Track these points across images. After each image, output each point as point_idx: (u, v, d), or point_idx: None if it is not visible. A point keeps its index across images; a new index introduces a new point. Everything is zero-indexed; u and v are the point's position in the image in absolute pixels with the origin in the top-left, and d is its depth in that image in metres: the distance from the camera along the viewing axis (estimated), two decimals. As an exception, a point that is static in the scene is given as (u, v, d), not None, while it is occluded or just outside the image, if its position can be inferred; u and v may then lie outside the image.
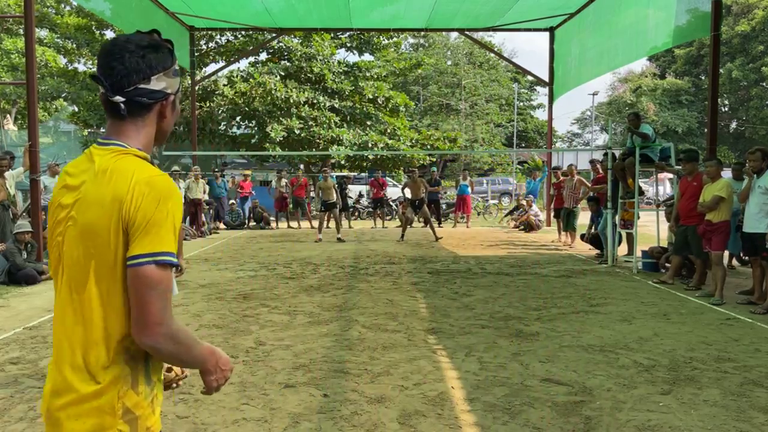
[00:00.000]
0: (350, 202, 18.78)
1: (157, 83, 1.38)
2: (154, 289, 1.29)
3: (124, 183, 1.29)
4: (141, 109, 1.38)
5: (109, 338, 1.33)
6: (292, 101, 20.79)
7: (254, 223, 17.16)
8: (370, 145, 21.38)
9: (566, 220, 12.12)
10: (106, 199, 1.30)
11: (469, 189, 17.55)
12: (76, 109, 23.20)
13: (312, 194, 19.45)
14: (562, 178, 12.84)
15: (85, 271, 1.33)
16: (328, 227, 15.76)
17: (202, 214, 14.94)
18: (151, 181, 1.30)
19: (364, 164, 23.13)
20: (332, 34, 22.60)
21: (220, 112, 21.15)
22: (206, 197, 15.82)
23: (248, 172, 20.06)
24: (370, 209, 18.65)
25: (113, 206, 1.29)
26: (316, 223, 13.85)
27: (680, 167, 8.08)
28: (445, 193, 21.97)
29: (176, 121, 1.53)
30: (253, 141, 21.56)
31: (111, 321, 1.33)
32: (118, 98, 1.34)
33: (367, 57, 25.45)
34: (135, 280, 1.28)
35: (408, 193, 13.90)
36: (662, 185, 24.19)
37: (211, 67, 23.25)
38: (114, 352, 1.33)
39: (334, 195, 13.60)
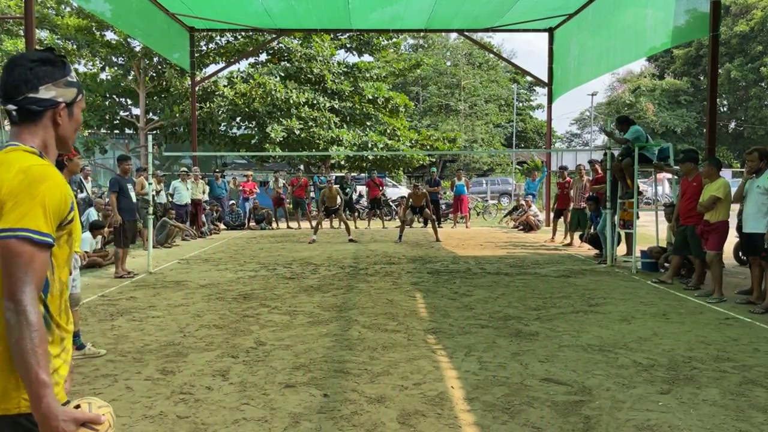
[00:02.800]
0: (354, 197, 18.78)
1: (45, 92, 1.54)
2: (12, 263, 1.36)
3: (7, 173, 1.43)
4: (32, 115, 1.54)
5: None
6: (292, 102, 20.80)
7: (254, 224, 17.16)
8: (369, 145, 21.39)
9: (576, 221, 11.98)
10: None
11: (466, 189, 17.54)
12: (76, 110, 23.18)
13: (312, 195, 19.46)
14: (568, 178, 12.81)
15: None
16: (332, 227, 15.77)
17: (203, 215, 14.95)
18: (28, 169, 1.43)
19: (364, 164, 23.14)
20: (332, 35, 22.62)
21: (220, 112, 21.15)
22: (206, 197, 15.84)
23: (250, 172, 20.06)
24: (368, 209, 18.66)
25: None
26: (314, 223, 13.85)
27: (678, 167, 8.10)
28: (445, 193, 21.98)
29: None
30: (253, 141, 21.57)
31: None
32: (10, 106, 1.52)
33: (366, 58, 25.49)
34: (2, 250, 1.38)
35: (410, 201, 13.99)
36: (661, 185, 24.21)
37: (211, 68, 23.25)
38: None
39: (338, 201, 13.65)
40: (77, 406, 1.45)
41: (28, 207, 1.38)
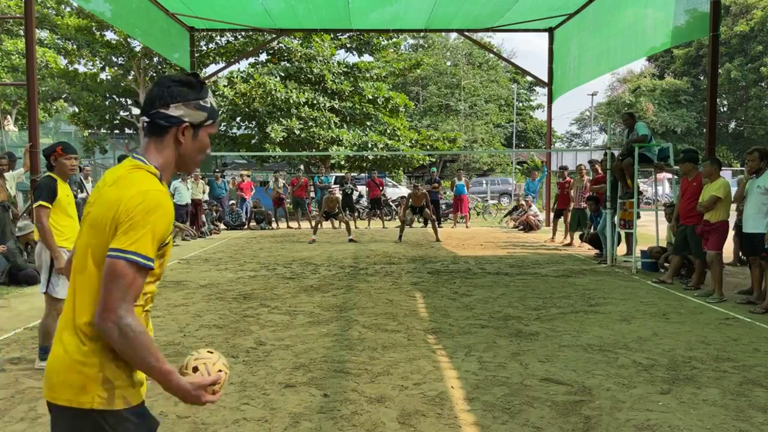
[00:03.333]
0: (355, 196, 18.77)
1: (174, 110, 1.64)
2: (115, 281, 1.47)
3: (128, 190, 1.53)
4: (158, 129, 1.64)
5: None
6: (292, 102, 20.81)
7: (254, 224, 17.16)
8: (369, 145, 21.40)
9: (576, 221, 11.97)
10: (112, 200, 1.54)
11: (466, 189, 17.54)
12: (77, 110, 23.21)
13: (312, 194, 19.46)
14: (568, 178, 12.79)
15: (85, 256, 1.56)
16: (333, 227, 15.77)
17: (203, 215, 14.96)
18: (147, 193, 1.53)
19: (364, 164, 23.15)
20: (332, 35, 22.62)
21: (220, 112, 21.11)
22: (206, 197, 15.84)
23: (247, 172, 20.03)
24: (368, 209, 18.66)
25: (114, 206, 1.52)
26: (314, 224, 13.85)
27: (678, 167, 8.10)
28: (445, 193, 21.98)
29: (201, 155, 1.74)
30: (253, 141, 21.58)
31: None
32: (143, 118, 1.65)
33: (366, 58, 25.50)
34: (105, 268, 1.49)
35: (410, 201, 13.99)
36: (661, 185, 24.21)
37: (212, 68, 23.30)
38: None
39: (337, 207, 13.69)
40: (195, 369, 1.61)
41: (140, 233, 1.49)
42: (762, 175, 6.31)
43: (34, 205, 4.28)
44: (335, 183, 19.23)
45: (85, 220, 1.62)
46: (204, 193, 15.22)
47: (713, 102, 9.44)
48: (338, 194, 14.14)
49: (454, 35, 37.09)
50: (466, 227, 17.35)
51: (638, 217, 9.23)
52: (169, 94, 1.63)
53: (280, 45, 22.40)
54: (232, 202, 17.40)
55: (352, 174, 22.03)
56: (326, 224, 14.91)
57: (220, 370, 1.63)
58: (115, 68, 22.53)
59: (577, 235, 12.16)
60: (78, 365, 1.51)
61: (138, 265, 1.48)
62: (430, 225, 15.01)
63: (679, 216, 7.61)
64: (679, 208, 7.72)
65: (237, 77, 21.73)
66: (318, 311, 6.12)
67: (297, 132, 20.59)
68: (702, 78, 41.66)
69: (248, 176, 18.89)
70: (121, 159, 9.05)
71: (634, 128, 9.17)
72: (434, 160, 33.89)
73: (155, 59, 21.75)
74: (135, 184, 1.54)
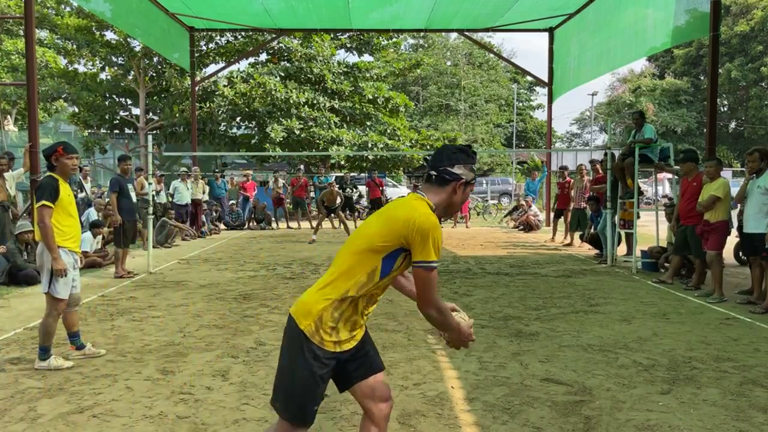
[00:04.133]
0: (355, 196, 18.75)
1: (457, 170, 2.28)
2: (425, 282, 2.16)
3: (413, 212, 2.16)
4: (442, 181, 2.28)
5: (338, 286, 2.21)
6: (292, 102, 20.79)
7: (255, 223, 17.16)
8: (369, 145, 21.38)
9: (576, 221, 11.97)
10: (401, 217, 2.17)
11: None
12: (77, 110, 23.19)
13: (312, 195, 19.45)
14: (568, 178, 12.79)
15: (349, 248, 2.26)
16: (333, 227, 15.76)
17: (202, 215, 14.95)
18: (428, 216, 2.17)
19: (364, 164, 23.13)
20: (332, 35, 22.60)
21: (220, 112, 21.14)
22: (206, 197, 15.83)
23: (249, 172, 20.02)
24: (369, 209, 18.65)
25: (401, 223, 2.15)
26: (315, 223, 13.85)
27: (679, 167, 8.10)
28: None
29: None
30: (253, 141, 21.56)
31: (342, 280, 2.21)
32: (432, 172, 2.30)
33: (366, 58, 25.47)
34: (416, 275, 2.17)
35: None
36: (661, 185, 24.20)
37: (211, 68, 23.23)
38: (336, 293, 2.20)
39: (338, 201, 13.67)
40: (454, 309, 2.40)
41: (429, 246, 2.13)
42: (762, 175, 6.31)
43: (36, 205, 4.27)
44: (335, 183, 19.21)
45: (380, 215, 2.28)
46: (204, 193, 15.21)
47: (713, 102, 9.44)
48: (337, 187, 14.12)
49: (454, 35, 37.10)
50: (466, 227, 17.35)
51: (638, 217, 9.22)
52: (455, 158, 2.28)
53: (280, 45, 22.38)
54: (231, 202, 17.40)
55: (352, 174, 22.01)
56: (326, 224, 14.90)
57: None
58: (115, 68, 22.49)
59: (577, 235, 12.16)
60: (309, 314, 2.19)
61: (433, 268, 2.15)
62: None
63: (680, 216, 7.61)
64: (679, 208, 7.72)
65: (237, 77, 21.71)
66: (318, 311, 6.11)
67: (297, 132, 20.57)
68: (702, 78, 41.65)
69: (249, 176, 18.89)
70: (121, 159, 9.06)
71: (642, 129, 9.15)
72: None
73: (155, 59, 21.72)
74: (419, 209, 2.18)
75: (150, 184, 9.75)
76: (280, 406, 2.25)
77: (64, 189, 4.35)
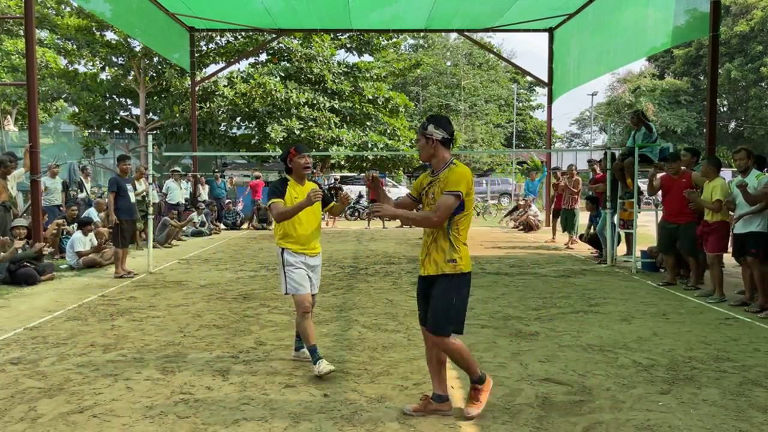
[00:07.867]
0: (354, 197, 18.76)
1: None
2: (446, 204, 3.23)
3: (455, 170, 3.29)
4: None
5: (442, 240, 3.32)
6: (292, 102, 20.81)
7: (257, 223, 17.14)
8: (369, 145, 21.39)
9: (565, 221, 12.06)
10: (451, 178, 3.28)
11: None
12: (77, 110, 23.20)
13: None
14: (561, 177, 12.81)
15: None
16: (334, 227, 15.77)
17: (191, 214, 14.94)
18: (460, 169, 3.29)
19: (364, 164, 23.14)
20: (332, 35, 22.62)
21: (220, 112, 21.15)
22: (206, 197, 15.83)
23: (259, 173, 19.98)
24: (369, 209, 18.64)
25: (446, 178, 3.30)
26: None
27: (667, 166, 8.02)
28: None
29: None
30: (253, 141, 21.58)
31: (442, 231, 3.32)
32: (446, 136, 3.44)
33: (366, 58, 25.48)
34: (440, 199, 3.26)
35: None
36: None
37: (211, 68, 23.23)
38: (443, 240, 3.32)
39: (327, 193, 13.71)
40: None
41: (457, 184, 3.23)
42: (749, 174, 6.32)
43: (267, 204, 4.29)
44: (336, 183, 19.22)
45: (433, 191, 3.35)
46: (201, 194, 15.29)
47: (713, 102, 9.44)
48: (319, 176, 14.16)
49: (454, 35, 37.08)
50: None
51: (637, 217, 9.21)
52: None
53: (280, 45, 22.39)
54: (228, 201, 17.39)
55: (352, 174, 22.02)
56: (326, 225, 14.90)
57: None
58: (115, 68, 22.50)
59: (564, 233, 12.26)
60: (439, 256, 3.32)
61: (458, 196, 3.22)
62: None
63: (667, 214, 7.61)
64: (665, 206, 7.70)
65: (237, 77, 21.72)
66: (318, 311, 6.12)
67: (297, 132, 20.58)
68: (702, 78, 41.64)
69: (257, 177, 18.87)
70: (120, 159, 9.08)
71: (642, 130, 9.13)
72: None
73: (155, 59, 21.73)
74: (457, 167, 3.30)
75: (140, 185, 9.69)
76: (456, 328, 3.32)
77: (293, 191, 4.30)
